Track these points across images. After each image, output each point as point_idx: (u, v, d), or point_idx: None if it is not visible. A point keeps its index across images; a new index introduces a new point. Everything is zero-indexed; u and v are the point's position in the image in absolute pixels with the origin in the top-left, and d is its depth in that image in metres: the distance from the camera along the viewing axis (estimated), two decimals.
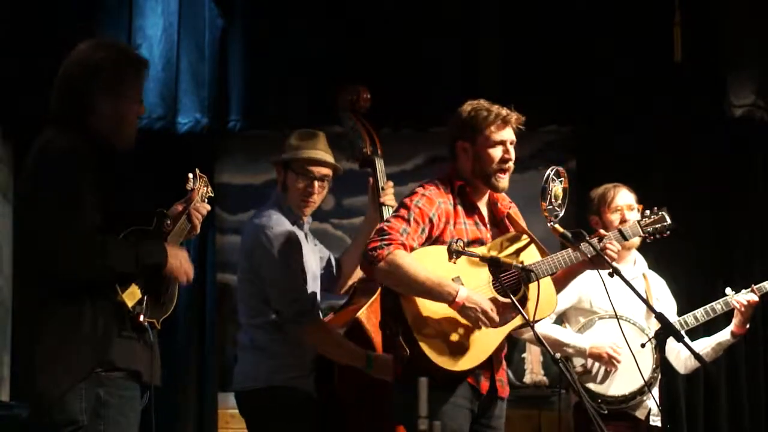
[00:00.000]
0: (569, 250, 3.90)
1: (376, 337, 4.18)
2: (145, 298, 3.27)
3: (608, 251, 3.91)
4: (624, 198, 4.70)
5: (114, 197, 3.26)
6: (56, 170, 3.17)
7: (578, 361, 4.60)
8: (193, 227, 3.52)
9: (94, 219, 3.17)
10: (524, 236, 3.97)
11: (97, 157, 3.25)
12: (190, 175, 3.61)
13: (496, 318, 3.71)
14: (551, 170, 3.93)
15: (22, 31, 6.53)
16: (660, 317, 3.46)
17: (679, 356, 4.76)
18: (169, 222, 3.43)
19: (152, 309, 3.30)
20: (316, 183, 4.29)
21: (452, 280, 3.74)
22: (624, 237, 4.06)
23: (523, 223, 4.04)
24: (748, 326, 4.74)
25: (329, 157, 4.31)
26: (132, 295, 3.24)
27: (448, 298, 3.70)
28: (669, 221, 4.20)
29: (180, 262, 3.34)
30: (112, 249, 3.16)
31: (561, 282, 4.03)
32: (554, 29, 6.37)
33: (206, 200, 3.62)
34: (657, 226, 4.20)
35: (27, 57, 6.52)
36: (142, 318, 3.25)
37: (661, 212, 4.22)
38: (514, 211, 4.07)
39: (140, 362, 3.27)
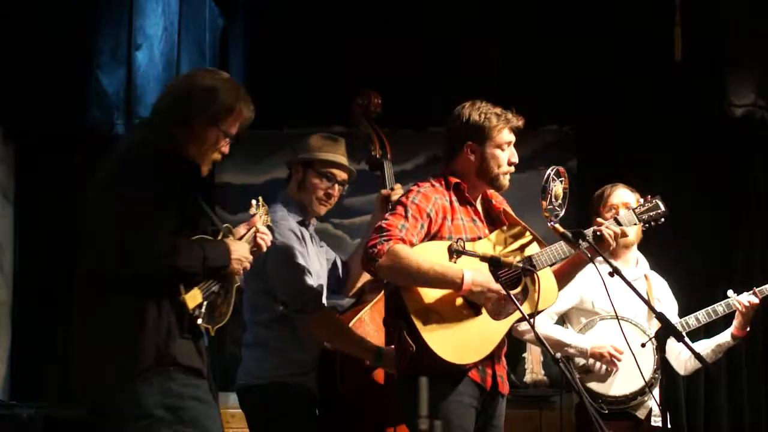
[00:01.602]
0: (563, 242, 3.90)
1: (380, 335, 4.19)
2: (205, 303, 3.33)
3: (604, 234, 3.91)
4: (620, 196, 4.70)
5: (188, 208, 3.37)
6: (146, 170, 3.26)
7: (579, 361, 4.60)
8: (259, 248, 3.61)
9: (170, 222, 3.25)
10: (524, 230, 3.98)
11: (182, 168, 3.38)
12: (254, 202, 3.69)
13: (504, 292, 3.72)
14: (552, 170, 3.94)
15: (23, 31, 6.54)
16: (661, 317, 3.46)
17: (680, 357, 4.77)
18: (232, 238, 3.50)
19: (209, 315, 3.35)
20: (337, 186, 4.36)
21: None
22: (618, 223, 4.05)
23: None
24: (748, 329, 4.74)
25: (346, 162, 4.38)
26: (193, 298, 3.29)
27: (455, 284, 3.71)
28: (663, 208, 4.19)
29: (241, 260, 3.43)
30: (182, 249, 3.24)
31: (564, 277, 4.03)
32: (555, 29, 6.38)
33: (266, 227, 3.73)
34: (651, 213, 4.19)
35: (28, 57, 6.53)
36: (200, 321, 3.31)
37: (654, 200, 4.22)
38: (508, 207, 4.09)
39: (198, 361, 3.34)
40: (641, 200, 4.28)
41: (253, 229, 3.60)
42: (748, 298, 4.68)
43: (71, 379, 3.31)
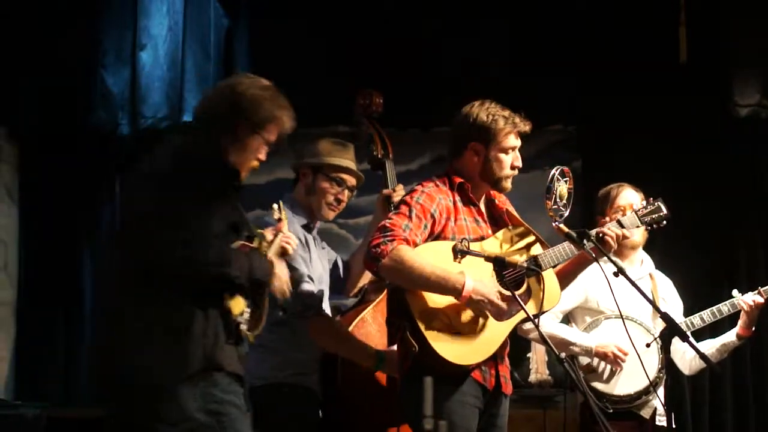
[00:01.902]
0: (569, 243, 3.90)
1: (382, 335, 4.18)
2: (247, 310, 3.38)
3: (607, 236, 3.91)
4: (627, 197, 4.69)
5: (233, 215, 3.43)
6: (201, 176, 3.31)
7: (583, 360, 4.59)
8: (285, 252, 3.64)
9: (220, 228, 3.31)
10: (527, 230, 3.98)
11: (229, 174, 3.46)
12: (275, 206, 3.74)
13: (504, 307, 3.72)
14: (556, 170, 3.93)
15: (27, 31, 6.55)
16: (665, 317, 3.45)
17: (684, 357, 4.76)
18: (266, 243, 3.53)
19: (248, 322, 3.41)
20: (347, 191, 4.36)
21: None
22: (622, 226, 4.05)
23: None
24: (753, 329, 4.73)
25: (356, 167, 4.40)
26: (237, 305, 3.35)
27: (455, 291, 3.70)
28: (665, 211, 4.18)
29: (281, 280, 3.51)
30: (232, 258, 3.29)
31: (566, 277, 4.03)
32: (560, 28, 6.37)
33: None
34: (654, 216, 4.19)
35: (31, 57, 6.54)
36: (242, 327, 3.36)
37: (657, 203, 4.22)
38: (511, 208, 4.08)
39: (240, 368, 3.38)
40: (644, 203, 4.29)
41: (280, 234, 3.62)
42: (753, 298, 4.68)
43: (103, 377, 3.29)
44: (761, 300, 4.68)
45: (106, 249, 3.40)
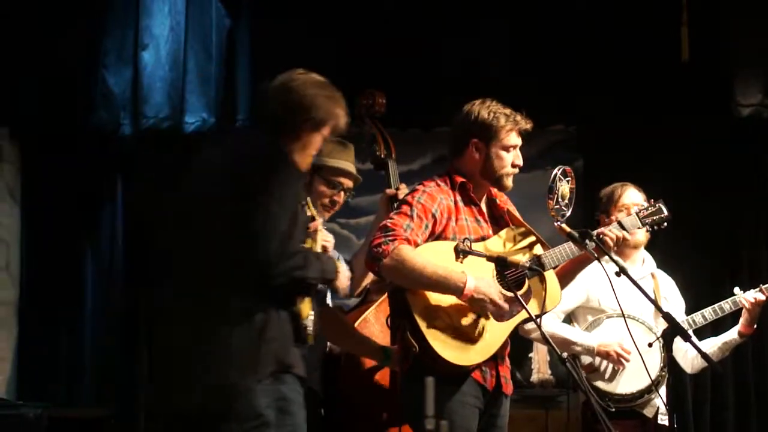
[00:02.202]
0: (570, 243, 3.90)
1: (385, 335, 4.19)
2: (311, 312, 3.42)
3: (607, 237, 3.92)
4: (631, 197, 4.70)
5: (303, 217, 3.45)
6: (287, 179, 3.32)
7: (586, 360, 4.60)
8: (326, 250, 3.68)
9: (301, 232, 3.35)
10: (528, 231, 3.98)
11: (301, 176, 3.50)
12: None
13: (506, 306, 3.72)
14: (558, 170, 3.93)
15: (29, 31, 6.55)
16: (667, 317, 3.45)
17: (686, 355, 4.76)
18: (310, 241, 3.56)
19: (313, 324, 3.46)
20: (343, 194, 4.36)
21: None
22: (623, 227, 4.06)
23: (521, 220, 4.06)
24: (755, 326, 4.73)
25: (354, 170, 4.40)
26: (306, 308, 3.39)
27: (457, 290, 3.70)
28: (666, 212, 4.20)
29: (345, 277, 3.63)
30: (311, 262, 3.32)
31: (567, 276, 4.03)
32: (562, 28, 6.37)
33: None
34: (654, 217, 4.20)
35: (33, 57, 6.54)
36: (309, 331, 3.39)
37: (657, 204, 4.23)
38: (512, 207, 4.08)
39: (304, 370, 3.39)
40: (645, 204, 4.29)
41: (319, 232, 3.64)
42: (754, 295, 4.68)
43: (176, 375, 3.28)
44: (762, 297, 4.68)
45: (159, 247, 3.38)
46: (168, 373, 3.31)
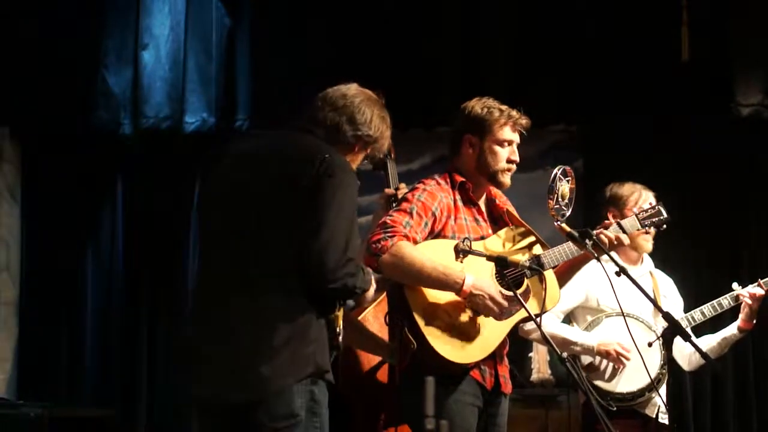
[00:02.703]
0: (570, 243, 3.90)
1: (383, 334, 4.18)
2: (342, 321, 3.43)
3: (602, 236, 3.92)
4: (645, 197, 4.68)
5: None
6: (348, 187, 3.33)
7: (586, 359, 4.60)
8: None
9: (356, 239, 3.34)
10: (527, 231, 3.98)
11: None
12: None
13: (504, 303, 3.72)
14: (558, 169, 3.93)
15: (29, 31, 6.56)
16: (667, 316, 3.45)
17: (683, 352, 4.74)
18: None
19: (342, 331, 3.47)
20: None
21: None
22: (623, 230, 4.06)
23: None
24: (755, 321, 4.73)
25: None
26: (339, 316, 3.39)
27: (455, 287, 3.70)
28: (665, 215, 4.21)
29: (370, 290, 3.55)
30: (360, 270, 3.32)
31: (564, 275, 4.03)
32: (562, 28, 6.38)
33: None
34: (654, 219, 4.21)
35: (33, 57, 6.55)
36: (340, 338, 3.39)
37: (657, 206, 4.23)
38: (511, 208, 4.08)
39: (332, 376, 3.39)
40: (644, 206, 4.30)
41: None
42: (753, 290, 4.67)
43: (217, 371, 3.25)
44: (762, 291, 4.67)
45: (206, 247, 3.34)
46: (208, 367, 3.28)
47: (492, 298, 3.72)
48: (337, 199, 3.26)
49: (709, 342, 4.77)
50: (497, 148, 3.92)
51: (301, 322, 3.23)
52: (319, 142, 3.41)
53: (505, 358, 3.97)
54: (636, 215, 4.20)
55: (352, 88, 3.57)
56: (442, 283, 3.72)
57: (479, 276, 3.76)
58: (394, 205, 4.10)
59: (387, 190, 4.45)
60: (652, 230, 4.42)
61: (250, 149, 3.47)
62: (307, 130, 3.45)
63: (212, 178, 3.48)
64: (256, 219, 3.30)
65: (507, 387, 3.95)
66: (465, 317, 3.77)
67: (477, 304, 3.74)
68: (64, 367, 6.69)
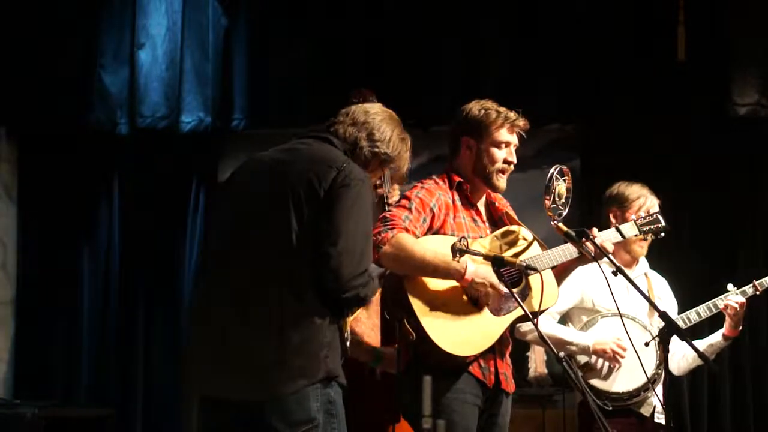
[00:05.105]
0: (568, 244, 3.91)
1: (376, 334, 4.19)
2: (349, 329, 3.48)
3: (588, 246, 3.92)
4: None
5: None
6: (367, 200, 3.35)
7: (581, 359, 4.60)
8: None
9: (370, 251, 3.38)
10: (525, 231, 3.99)
11: None
12: None
13: (505, 290, 3.72)
14: (555, 169, 3.94)
15: (25, 31, 6.55)
16: (664, 316, 3.46)
17: (672, 358, 4.74)
18: None
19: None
20: None
21: None
22: (621, 234, 4.07)
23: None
24: (740, 329, 4.72)
25: None
26: (348, 323, 3.44)
27: (457, 275, 3.72)
28: (663, 223, 4.24)
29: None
30: (371, 279, 3.35)
31: (561, 274, 4.04)
32: (559, 28, 6.38)
33: None
34: (651, 226, 4.24)
35: (31, 57, 6.54)
36: (347, 344, 3.41)
37: (655, 214, 4.26)
38: (510, 210, 4.09)
39: (345, 380, 3.41)
40: (642, 213, 4.31)
41: None
42: (735, 299, 4.66)
43: (236, 371, 3.26)
44: (743, 300, 4.66)
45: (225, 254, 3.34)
46: (219, 366, 3.28)
47: (493, 285, 3.74)
48: (355, 210, 3.28)
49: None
50: (494, 149, 3.94)
51: (315, 326, 3.25)
52: (338, 152, 3.43)
53: (508, 357, 3.98)
54: (635, 221, 4.22)
55: (375, 107, 3.60)
56: (443, 271, 3.73)
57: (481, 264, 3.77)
58: (386, 206, 4.12)
59: (379, 190, 4.44)
60: (650, 237, 4.43)
61: (272, 155, 3.47)
62: (326, 140, 3.46)
63: (232, 181, 3.49)
64: (273, 223, 3.30)
65: (509, 385, 3.95)
66: (464, 311, 3.78)
67: (478, 292, 3.75)
68: (61, 367, 6.69)
